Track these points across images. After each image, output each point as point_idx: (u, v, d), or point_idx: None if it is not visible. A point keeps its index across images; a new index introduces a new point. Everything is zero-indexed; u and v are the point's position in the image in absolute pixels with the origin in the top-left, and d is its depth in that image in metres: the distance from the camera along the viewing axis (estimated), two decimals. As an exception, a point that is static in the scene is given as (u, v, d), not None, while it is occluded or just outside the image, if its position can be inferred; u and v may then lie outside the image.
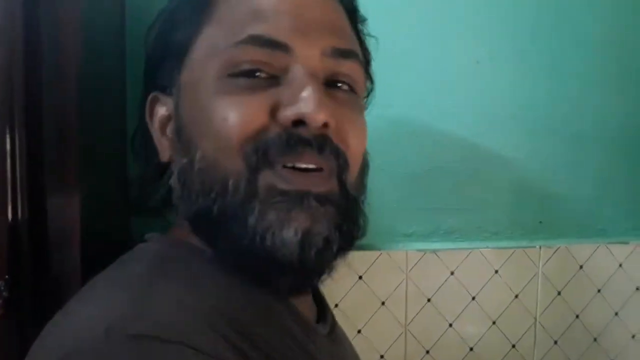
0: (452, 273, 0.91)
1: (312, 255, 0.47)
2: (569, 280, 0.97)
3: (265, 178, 0.47)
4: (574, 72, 0.95)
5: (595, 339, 1.00)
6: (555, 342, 0.97)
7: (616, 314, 1.00)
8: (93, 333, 0.38)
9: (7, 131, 0.52)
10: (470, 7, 0.89)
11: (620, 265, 1.00)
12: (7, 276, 0.52)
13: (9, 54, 0.52)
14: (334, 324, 0.60)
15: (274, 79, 0.49)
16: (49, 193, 0.56)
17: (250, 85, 0.49)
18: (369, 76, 0.61)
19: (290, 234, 0.46)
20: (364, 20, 0.61)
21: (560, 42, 0.94)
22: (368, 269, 0.87)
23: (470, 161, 0.91)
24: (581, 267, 0.97)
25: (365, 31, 0.61)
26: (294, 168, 0.47)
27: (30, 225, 0.55)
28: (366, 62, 0.59)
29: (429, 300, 0.90)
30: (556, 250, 0.95)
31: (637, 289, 1.01)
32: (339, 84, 0.53)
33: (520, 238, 0.94)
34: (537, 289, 0.95)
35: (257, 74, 0.49)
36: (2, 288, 0.52)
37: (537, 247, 0.95)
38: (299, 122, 0.47)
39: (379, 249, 0.87)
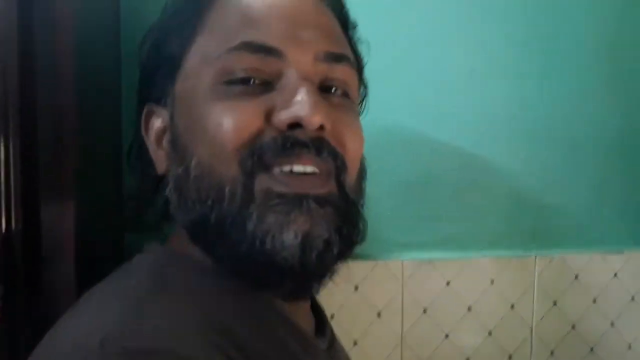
0: (447, 283, 0.91)
1: (313, 258, 0.46)
2: (565, 290, 0.97)
3: (262, 182, 0.47)
4: (570, 81, 0.95)
5: (591, 349, 0.99)
6: (552, 353, 0.97)
7: (612, 323, 1.00)
8: (88, 345, 0.38)
9: (2, 141, 0.52)
10: (466, 14, 0.90)
11: (616, 274, 1.00)
12: (0, 286, 0.52)
13: (3, 67, 0.52)
14: (333, 339, 0.60)
15: (268, 85, 0.49)
16: (43, 204, 0.56)
17: (245, 91, 0.49)
18: (362, 82, 0.62)
19: (290, 237, 0.45)
20: (355, 26, 0.61)
21: (555, 51, 0.94)
22: (364, 279, 0.87)
23: (465, 170, 0.91)
24: (576, 276, 0.97)
25: (357, 37, 0.62)
26: (291, 172, 0.47)
27: (25, 236, 0.55)
28: (359, 68, 0.60)
29: (425, 310, 0.90)
30: (551, 259, 0.95)
31: (633, 298, 1.01)
32: (333, 89, 0.53)
33: (515, 247, 0.94)
34: (533, 298, 0.95)
35: (251, 81, 0.49)
36: (-4, 298, 0.51)
37: (533, 256, 0.95)
38: (295, 125, 0.47)
39: (375, 259, 0.87)
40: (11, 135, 0.53)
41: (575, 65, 0.96)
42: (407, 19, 0.88)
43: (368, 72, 0.64)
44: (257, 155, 0.47)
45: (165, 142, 0.54)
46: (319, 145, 0.48)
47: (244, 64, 0.49)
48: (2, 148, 0.52)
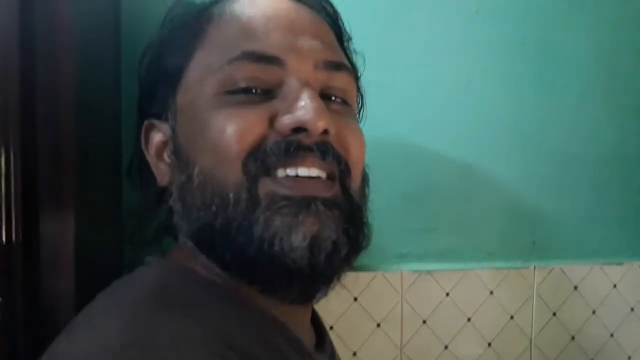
0: (447, 294, 0.91)
1: (321, 260, 0.46)
2: (564, 302, 0.97)
3: (266, 186, 0.47)
4: (567, 93, 0.96)
5: (591, 361, 0.99)
6: (552, 364, 0.97)
7: (612, 335, 1.00)
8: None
9: (3, 153, 0.52)
10: (462, 27, 0.91)
11: (615, 286, 1.00)
12: (0, 298, 0.52)
13: (4, 81, 0.52)
14: (333, 354, 0.60)
15: (270, 94, 0.50)
16: (43, 216, 0.56)
17: (247, 100, 0.49)
18: (359, 91, 0.62)
19: (299, 239, 0.45)
20: (349, 38, 0.62)
21: (552, 63, 0.95)
22: (363, 290, 0.87)
23: (464, 182, 0.91)
24: (576, 288, 0.97)
25: (352, 49, 0.63)
26: (296, 176, 0.48)
27: (25, 247, 0.55)
28: (356, 78, 0.60)
29: (424, 322, 0.90)
30: (551, 271, 0.95)
31: (633, 310, 1.01)
32: (333, 98, 0.53)
33: (515, 259, 0.94)
34: (533, 310, 0.95)
35: (253, 90, 0.49)
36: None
37: (532, 267, 0.95)
38: (299, 129, 0.48)
39: (375, 270, 0.87)
40: (12, 147, 0.53)
41: (573, 77, 0.96)
42: (405, 31, 0.88)
43: (366, 84, 0.65)
44: (261, 160, 0.47)
45: (166, 155, 0.55)
46: (324, 150, 0.48)
47: (246, 73, 0.49)
48: (3, 159, 0.52)
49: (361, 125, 0.63)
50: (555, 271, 0.96)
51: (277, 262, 0.46)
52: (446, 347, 0.91)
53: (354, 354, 0.87)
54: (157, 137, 0.56)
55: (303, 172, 0.48)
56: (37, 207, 0.55)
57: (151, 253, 0.55)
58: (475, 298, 0.92)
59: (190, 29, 0.54)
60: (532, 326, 0.95)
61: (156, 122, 0.56)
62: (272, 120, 0.48)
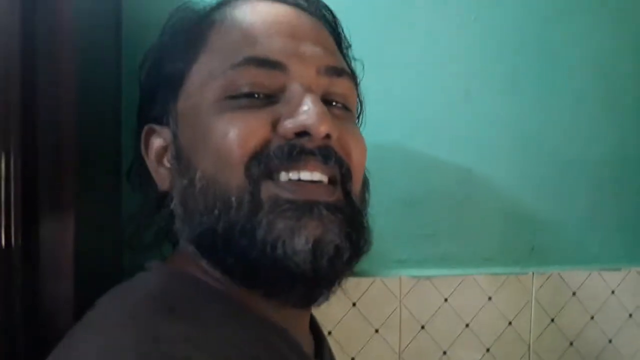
0: (445, 300, 0.91)
1: (324, 263, 0.46)
2: (563, 307, 0.97)
3: (268, 190, 0.47)
4: (564, 98, 0.96)
5: (589, 366, 0.99)
6: (550, 370, 0.97)
7: (610, 340, 1.00)
8: None
9: (3, 157, 0.52)
10: (461, 36, 0.91)
11: (613, 291, 1.00)
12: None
13: (4, 82, 0.52)
14: None
15: (272, 98, 0.50)
16: (43, 221, 0.56)
17: (250, 104, 0.49)
18: (358, 97, 0.63)
19: (301, 242, 0.45)
20: (349, 45, 0.62)
21: (550, 69, 0.95)
22: (362, 295, 0.87)
23: (462, 188, 0.91)
24: (574, 293, 0.97)
25: (351, 55, 0.63)
26: (298, 180, 0.48)
27: (24, 252, 0.54)
28: (355, 84, 0.61)
29: (422, 327, 0.90)
30: (549, 276, 0.96)
31: (630, 315, 1.01)
32: (334, 103, 0.54)
33: (513, 264, 0.94)
34: (531, 315, 0.95)
35: (256, 95, 0.50)
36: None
37: (530, 273, 0.95)
38: (301, 133, 0.48)
39: (373, 275, 0.87)
40: (12, 150, 0.53)
41: (571, 82, 0.97)
42: (404, 38, 0.89)
43: (365, 90, 0.65)
44: (264, 163, 0.47)
45: (166, 159, 0.55)
46: (326, 153, 0.49)
47: (249, 78, 0.50)
48: (3, 162, 0.52)
49: (360, 130, 0.63)
50: (553, 276, 0.96)
51: (279, 265, 0.46)
52: (444, 353, 0.91)
53: (352, 359, 0.87)
54: (157, 142, 0.56)
55: (305, 175, 0.48)
56: (36, 210, 0.55)
57: (151, 257, 0.55)
58: (473, 303, 0.92)
59: (192, 34, 0.55)
60: (530, 331, 0.95)
61: (156, 127, 0.56)
62: (274, 125, 0.49)
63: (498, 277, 0.93)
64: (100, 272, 0.64)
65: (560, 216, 0.96)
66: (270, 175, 0.48)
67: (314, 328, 0.61)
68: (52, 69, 0.55)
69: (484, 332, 0.93)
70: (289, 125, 0.48)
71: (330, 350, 0.62)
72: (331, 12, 0.61)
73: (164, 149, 0.55)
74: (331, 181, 0.50)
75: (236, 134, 0.48)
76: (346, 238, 0.48)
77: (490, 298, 0.93)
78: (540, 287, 0.95)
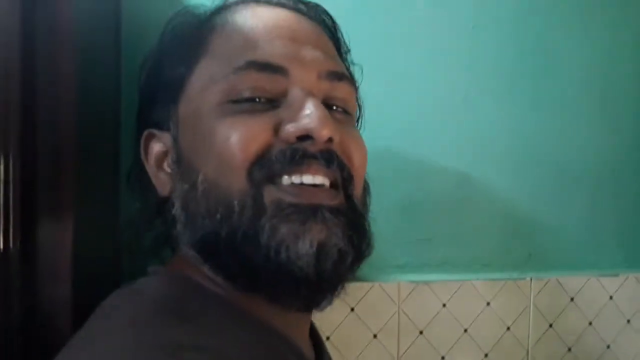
0: (444, 305, 0.91)
1: (328, 267, 0.46)
2: (561, 313, 0.97)
3: (270, 194, 0.47)
4: (561, 105, 0.97)
5: (587, 372, 0.99)
6: (548, 376, 0.97)
7: (608, 346, 1.00)
8: None
9: (2, 160, 0.52)
10: (459, 43, 0.91)
11: (611, 297, 1.00)
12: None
13: (4, 82, 0.52)
14: None
15: (273, 102, 0.50)
16: (41, 224, 0.55)
17: (251, 108, 0.49)
18: (357, 102, 0.63)
19: (305, 246, 0.45)
20: (347, 50, 0.63)
21: (547, 77, 0.96)
22: (360, 300, 0.87)
23: (460, 193, 0.91)
24: (572, 299, 0.97)
25: (350, 60, 0.63)
26: (301, 184, 0.48)
27: (22, 255, 0.54)
28: (355, 88, 0.61)
29: (421, 332, 0.90)
30: (547, 282, 0.96)
31: (628, 321, 1.01)
32: (334, 107, 0.54)
33: (511, 270, 0.94)
34: (529, 321, 0.95)
35: (257, 99, 0.50)
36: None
37: (528, 279, 0.95)
38: (303, 137, 0.48)
39: (371, 281, 0.87)
40: (11, 153, 0.53)
41: (568, 89, 0.97)
42: (403, 45, 0.89)
43: (364, 96, 0.66)
44: (266, 167, 0.47)
45: (166, 164, 0.55)
46: (328, 157, 0.49)
47: (250, 82, 0.50)
48: (2, 166, 0.52)
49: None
50: (551, 282, 0.96)
51: (283, 269, 0.45)
52: (443, 358, 0.91)
53: (351, 365, 0.86)
54: (157, 147, 0.56)
55: (307, 179, 0.48)
56: (35, 213, 0.55)
57: (150, 262, 0.55)
58: (471, 309, 0.92)
59: (192, 39, 0.55)
60: (528, 337, 0.95)
61: (156, 132, 0.56)
62: (276, 129, 0.49)
63: (496, 282, 0.93)
64: (98, 274, 0.64)
65: (558, 222, 0.96)
66: (273, 179, 0.48)
67: (313, 334, 0.61)
68: (51, 69, 0.55)
69: (482, 337, 0.93)
70: (291, 129, 0.48)
71: (329, 356, 0.62)
72: (330, 17, 0.61)
73: (164, 154, 0.55)
74: (333, 185, 0.50)
75: (238, 138, 0.48)
76: (349, 242, 0.48)
77: (488, 303, 0.93)
78: (539, 292, 0.95)
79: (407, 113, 0.89)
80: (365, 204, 0.56)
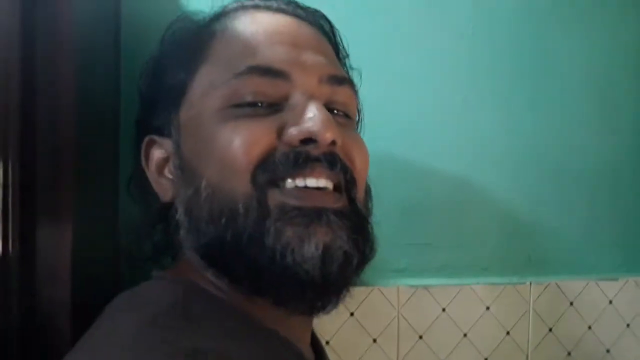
0: (443, 309, 0.90)
1: (334, 270, 0.46)
2: (560, 317, 0.97)
3: (274, 197, 0.47)
4: (561, 108, 0.97)
5: (587, 377, 0.99)
6: (548, 380, 0.96)
7: (608, 350, 1.00)
8: None
9: (1, 164, 0.52)
10: (459, 48, 0.92)
11: (611, 301, 1.00)
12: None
13: (4, 82, 0.52)
14: None
15: (275, 107, 0.50)
16: (40, 228, 0.55)
17: (254, 113, 0.50)
18: (357, 106, 0.63)
19: (311, 249, 0.45)
20: (346, 55, 0.63)
21: (546, 81, 0.96)
22: (360, 305, 0.86)
23: (459, 197, 0.91)
24: (572, 303, 0.97)
25: (349, 65, 0.64)
26: (305, 187, 0.48)
27: (21, 259, 0.54)
28: (355, 92, 0.61)
29: (420, 337, 0.89)
30: (547, 286, 0.96)
31: (628, 325, 1.01)
32: (335, 111, 0.54)
33: (510, 274, 0.94)
34: (529, 325, 0.95)
35: (259, 104, 0.50)
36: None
37: (528, 283, 0.95)
38: (307, 140, 0.48)
39: (371, 285, 0.87)
40: (10, 157, 0.53)
41: (567, 93, 0.98)
42: (403, 50, 0.89)
43: (364, 100, 0.66)
44: (270, 171, 0.47)
45: (168, 170, 0.55)
46: (332, 160, 0.49)
47: (252, 87, 0.50)
48: (1, 170, 0.52)
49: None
50: (551, 286, 0.96)
51: (289, 272, 0.45)
52: (442, 363, 0.90)
53: (350, 369, 0.86)
54: (158, 153, 0.56)
55: (311, 182, 0.48)
56: (34, 216, 0.55)
57: (150, 265, 0.55)
58: (471, 313, 0.92)
59: (192, 45, 0.55)
60: (528, 341, 0.95)
61: (157, 138, 0.56)
62: (279, 132, 0.49)
63: (496, 286, 0.93)
64: (97, 278, 0.64)
65: (557, 226, 0.96)
66: (276, 182, 0.48)
67: (313, 340, 0.61)
68: (51, 70, 0.55)
69: (481, 341, 0.92)
70: (294, 132, 0.48)
71: None
72: (329, 22, 0.61)
73: (165, 160, 0.55)
74: (336, 188, 0.50)
75: (241, 142, 0.48)
76: (354, 244, 0.48)
77: (488, 308, 0.93)
78: (538, 297, 0.95)
79: (407, 115, 0.89)
80: (367, 207, 0.56)
